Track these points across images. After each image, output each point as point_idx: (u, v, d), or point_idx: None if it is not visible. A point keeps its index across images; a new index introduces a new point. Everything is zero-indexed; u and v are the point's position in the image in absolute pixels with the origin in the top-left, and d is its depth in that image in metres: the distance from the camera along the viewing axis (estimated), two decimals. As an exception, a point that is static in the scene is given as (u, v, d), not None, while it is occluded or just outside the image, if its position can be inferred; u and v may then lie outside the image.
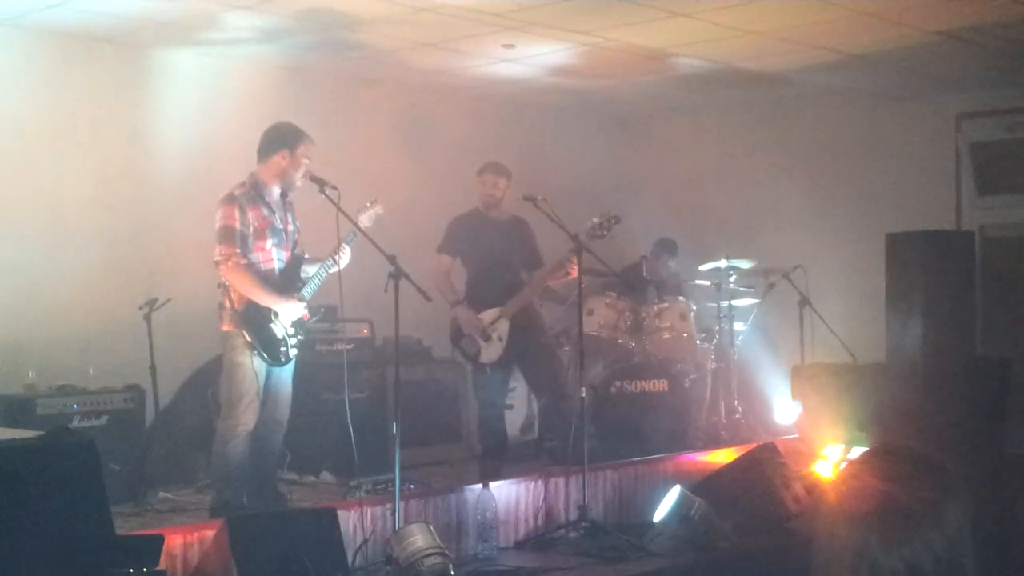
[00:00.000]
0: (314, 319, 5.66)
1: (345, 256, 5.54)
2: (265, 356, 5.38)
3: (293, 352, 5.50)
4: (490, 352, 6.75)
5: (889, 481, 1.76)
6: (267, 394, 5.45)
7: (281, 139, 5.49)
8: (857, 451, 6.97)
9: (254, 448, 5.44)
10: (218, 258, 5.35)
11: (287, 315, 5.45)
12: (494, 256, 6.85)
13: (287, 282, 5.51)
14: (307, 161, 5.50)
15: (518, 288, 6.84)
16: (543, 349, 6.93)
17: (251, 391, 5.35)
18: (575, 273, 6.50)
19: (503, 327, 6.74)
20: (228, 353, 5.40)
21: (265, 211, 5.45)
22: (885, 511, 1.73)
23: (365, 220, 5.55)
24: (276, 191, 5.54)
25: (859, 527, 1.74)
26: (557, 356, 7.15)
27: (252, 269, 5.38)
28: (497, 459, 6.82)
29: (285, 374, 5.54)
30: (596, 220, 6.49)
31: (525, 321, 6.82)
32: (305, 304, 5.53)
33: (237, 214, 5.34)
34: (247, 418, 5.36)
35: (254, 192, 5.45)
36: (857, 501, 1.76)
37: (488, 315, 6.76)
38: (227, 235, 5.34)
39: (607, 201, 9.09)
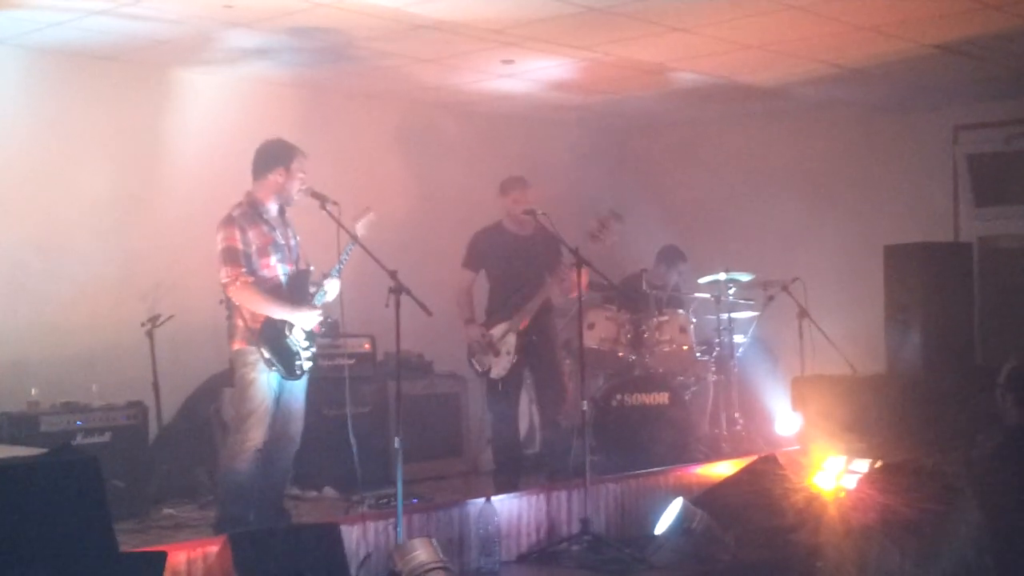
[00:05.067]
0: (323, 330, 5.68)
1: (334, 289, 5.55)
2: (282, 371, 5.40)
3: (308, 365, 5.52)
4: (500, 366, 6.71)
5: (890, 494, 1.78)
6: (279, 410, 5.47)
7: (275, 157, 5.54)
8: (858, 463, 6.98)
9: (265, 464, 5.44)
10: (225, 279, 5.37)
11: (303, 324, 5.48)
12: (513, 271, 6.84)
13: (295, 295, 5.53)
14: (302, 175, 5.55)
15: (523, 302, 6.82)
16: (551, 365, 6.94)
17: (261, 407, 5.38)
18: (574, 287, 6.53)
19: (511, 341, 6.72)
20: (240, 370, 5.41)
21: (265, 228, 5.49)
22: (887, 524, 1.74)
23: (360, 228, 5.57)
24: (274, 208, 5.58)
25: (862, 540, 1.76)
26: (562, 374, 7.13)
27: (260, 285, 5.42)
28: (512, 474, 6.77)
29: (297, 389, 5.55)
30: (593, 223, 6.62)
31: (537, 335, 6.81)
32: (320, 311, 5.56)
33: (238, 235, 5.38)
34: (256, 434, 5.37)
35: (252, 211, 5.49)
36: (859, 514, 1.78)
37: (498, 330, 6.75)
38: (231, 256, 5.37)
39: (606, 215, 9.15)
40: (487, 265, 6.90)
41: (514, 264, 6.82)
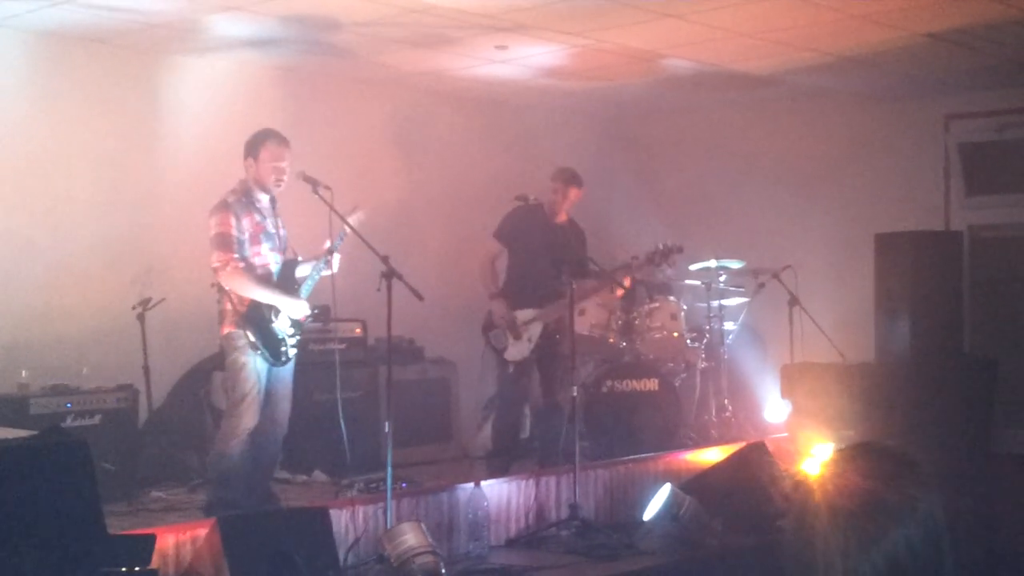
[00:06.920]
0: (309, 319, 5.70)
1: (336, 261, 5.58)
2: (267, 355, 5.42)
3: (293, 352, 5.56)
4: (517, 350, 6.67)
5: (872, 479, 1.81)
6: (267, 394, 5.49)
7: (249, 145, 5.57)
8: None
9: (253, 448, 5.47)
10: (216, 264, 5.39)
11: (292, 312, 5.49)
12: (544, 257, 6.76)
13: (284, 284, 5.56)
14: (277, 164, 5.52)
15: (558, 294, 6.72)
16: (561, 358, 6.81)
17: (253, 391, 5.41)
18: (621, 292, 6.89)
19: (536, 329, 6.68)
20: (231, 354, 5.44)
21: (257, 217, 5.52)
22: (868, 507, 1.78)
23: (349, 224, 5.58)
24: (265, 197, 5.60)
25: (842, 523, 1.79)
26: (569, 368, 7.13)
27: (251, 271, 5.44)
28: (508, 457, 6.75)
29: (285, 375, 5.58)
30: (660, 246, 6.80)
31: (556, 327, 6.77)
32: (307, 303, 5.58)
33: (232, 220, 5.40)
34: (249, 417, 5.40)
35: (246, 199, 5.52)
36: (841, 498, 1.81)
37: (524, 314, 6.68)
38: (224, 242, 5.38)
39: (597, 201, 9.16)
40: (517, 243, 6.79)
41: (543, 250, 6.75)
